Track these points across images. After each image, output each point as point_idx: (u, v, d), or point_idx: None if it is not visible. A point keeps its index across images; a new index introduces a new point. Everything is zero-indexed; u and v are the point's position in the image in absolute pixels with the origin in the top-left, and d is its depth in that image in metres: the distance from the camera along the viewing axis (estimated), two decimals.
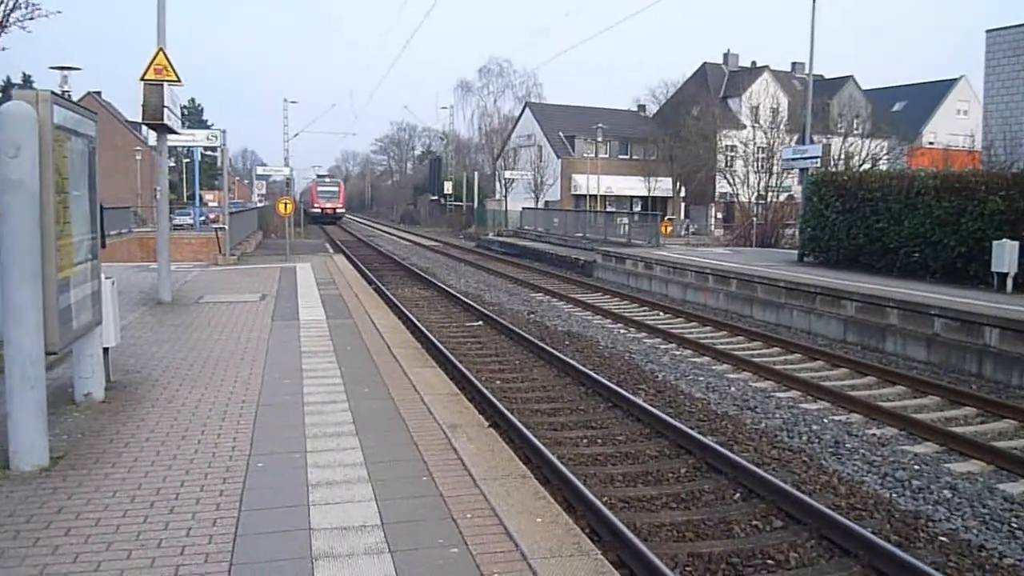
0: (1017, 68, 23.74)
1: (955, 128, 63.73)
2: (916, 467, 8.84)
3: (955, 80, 71.31)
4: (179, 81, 14.99)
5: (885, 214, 20.12)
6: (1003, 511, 7.65)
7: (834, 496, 7.88)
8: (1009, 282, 16.56)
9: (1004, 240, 16.58)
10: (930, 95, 70.09)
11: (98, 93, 76.96)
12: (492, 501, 5.37)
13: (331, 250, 35.03)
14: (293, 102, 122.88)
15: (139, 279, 18.64)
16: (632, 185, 66.41)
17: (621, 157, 69.77)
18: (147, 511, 5.19)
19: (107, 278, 8.26)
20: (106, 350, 8.27)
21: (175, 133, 17.26)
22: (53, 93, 6.20)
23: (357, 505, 5.30)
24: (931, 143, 60.25)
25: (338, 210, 77.28)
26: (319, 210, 74.68)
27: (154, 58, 14.65)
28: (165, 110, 14.84)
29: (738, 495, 7.77)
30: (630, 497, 7.70)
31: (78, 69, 31.94)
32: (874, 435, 9.99)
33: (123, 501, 5.36)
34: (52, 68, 31.48)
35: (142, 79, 14.63)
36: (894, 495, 8.03)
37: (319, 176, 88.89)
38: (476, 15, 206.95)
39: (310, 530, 4.90)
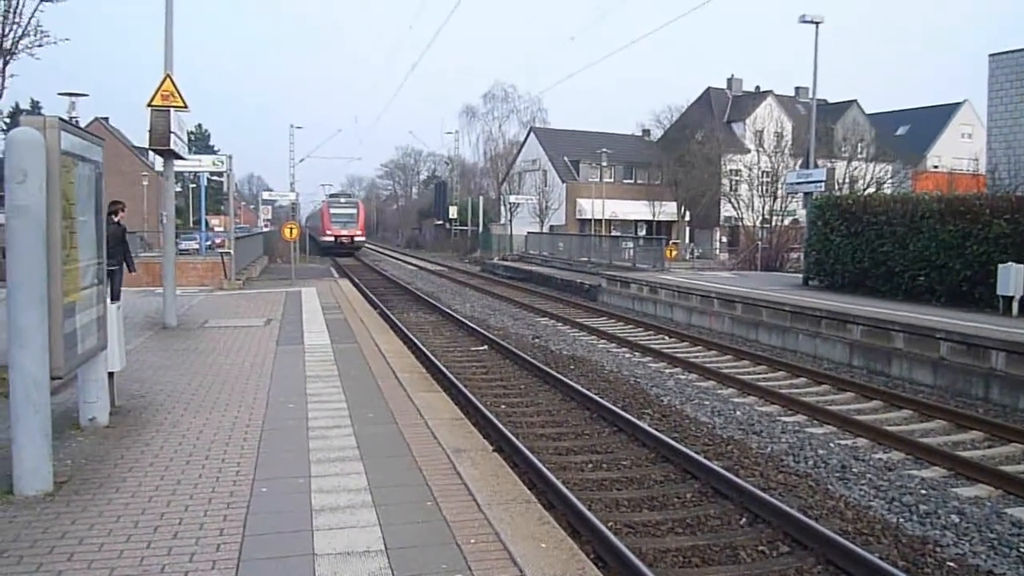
0: (1021, 91, 23.80)
1: (959, 152, 63.90)
2: (923, 492, 8.79)
3: (959, 104, 71.54)
4: (185, 107, 15.11)
5: (890, 238, 20.12)
6: (1011, 536, 7.59)
7: (841, 521, 7.83)
8: (1015, 305, 16.51)
9: (1010, 264, 16.56)
10: (934, 119, 70.29)
11: (106, 119, 77.65)
12: (496, 526, 5.34)
13: (336, 275, 35.08)
14: (299, 127, 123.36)
15: (144, 303, 18.66)
16: (637, 209, 66.61)
17: (626, 181, 70.05)
18: (151, 536, 5.18)
19: (112, 302, 8.28)
20: (111, 375, 8.28)
21: (181, 159, 17.37)
22: (60, 119, 6.25)
23: (361, 530, 5.28)
24: (935, 167, 60.38)
25: (356, 238, 61.99)
26: (332, 238, 60.17)
27: (161, 84, 14.78)
28: (172, 136, 14.94)
29: (744, 520, 7.72)
30: (635, 522, 7.66)
31: (85, 95, 32.16)
32: (881, 459, 9.94)
33: (127, 526, 5.34)
34: (60, 94, 31.72)
35: (149, 105, 14.76)
36: (901, 520, 7.98)
37: (331, 196, 69.84)
38: (481, 42, 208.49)
39: (314, 555, 4.88)
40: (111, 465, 6.66)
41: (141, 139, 16.35)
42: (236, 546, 5.02)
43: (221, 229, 57.41)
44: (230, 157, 27.32)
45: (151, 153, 21.76)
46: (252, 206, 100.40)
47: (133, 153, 73.20)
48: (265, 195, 59.51)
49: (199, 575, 4.62)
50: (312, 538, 5.15)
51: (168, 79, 14.87)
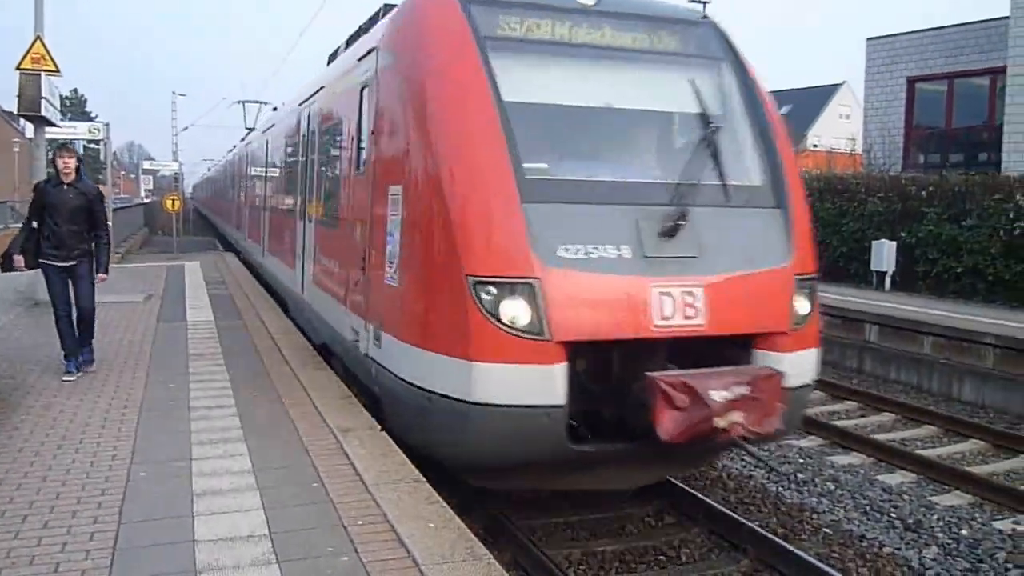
0: (895, 75, 24.73)
1: (838, 132, 65.94)
2: (801, 461, 9.13)
3: (838, 85, 74.01)
4: (58, 71, 14.34)
5: None
6: (882, 502, 7.96)
7: (723, 491, 8.06)
8: (887, 280, 17.24)
9: (882, 240, 17.26)
10: (814, 100, 72.48)
11: None
12: (384, 507, 5.27)
13: (221, 248, 34.12)
14: (182, 95, 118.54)
15: (13, 278, 17.66)
16: None
17: None
18: (19, 527, 4.92)
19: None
20: None
21: (54, 125, 16.52)
22: None
23: (244, 514, 5.14)
24: (815, 146, 62.30)
25: None
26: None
27: (31, 47, 13.97)
28: (42, 101, 14.19)
29: (631, 494, 7.85)
30: (526, 500, 7.69)
31: None
32: None
33: None
34: None
35: (18, 68, 13.97)
36: (780, 488, 8.26)
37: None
38: (372, 7, 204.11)
39: (194, 542, 4.72)
40: None
41: (12, 104, 15.47)
42: (112, 534, 4.82)
43: None
44: (107, 125, 26.15)
45: (22, 119, 20.65)
46: (133, 175, 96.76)
47: (3, 119, 69.38)
48: (146, 164, 57.37)
49: (71, 566, 4.42)
50: (192, 524, 4.98)
51: (39, 41, 14.07)
